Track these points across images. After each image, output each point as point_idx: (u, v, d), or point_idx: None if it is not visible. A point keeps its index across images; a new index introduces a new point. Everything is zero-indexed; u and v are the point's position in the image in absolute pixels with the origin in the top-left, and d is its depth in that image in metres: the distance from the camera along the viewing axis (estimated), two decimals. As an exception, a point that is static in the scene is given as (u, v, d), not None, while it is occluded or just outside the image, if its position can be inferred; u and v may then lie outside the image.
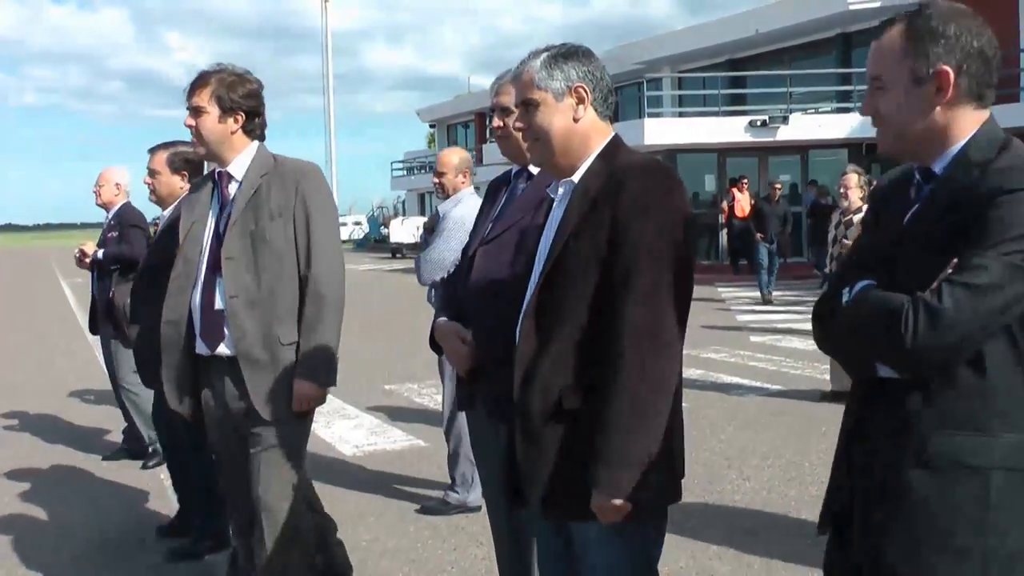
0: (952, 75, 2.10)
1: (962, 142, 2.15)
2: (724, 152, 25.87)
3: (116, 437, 7.90)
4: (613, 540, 2.57)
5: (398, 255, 38.69)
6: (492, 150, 34.02)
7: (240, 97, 3.68)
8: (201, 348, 3.73)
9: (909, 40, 2.15)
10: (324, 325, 3.68)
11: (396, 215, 48.02)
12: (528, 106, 2.67)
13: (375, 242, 48.81)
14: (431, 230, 5.81)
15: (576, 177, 2.65)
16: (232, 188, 3.73)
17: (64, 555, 5.37)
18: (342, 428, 8.30)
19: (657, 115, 27.28)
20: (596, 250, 2.51)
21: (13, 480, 6.96)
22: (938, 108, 2.13)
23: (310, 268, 3.67)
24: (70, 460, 7.46)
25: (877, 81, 2.20)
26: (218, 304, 3.66)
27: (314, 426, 8.15)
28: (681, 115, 28.28)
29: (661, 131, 24.78)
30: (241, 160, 3.73)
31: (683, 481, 2.64)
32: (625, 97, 33.02)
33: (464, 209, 5.57)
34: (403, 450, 7.53)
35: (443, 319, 3.42)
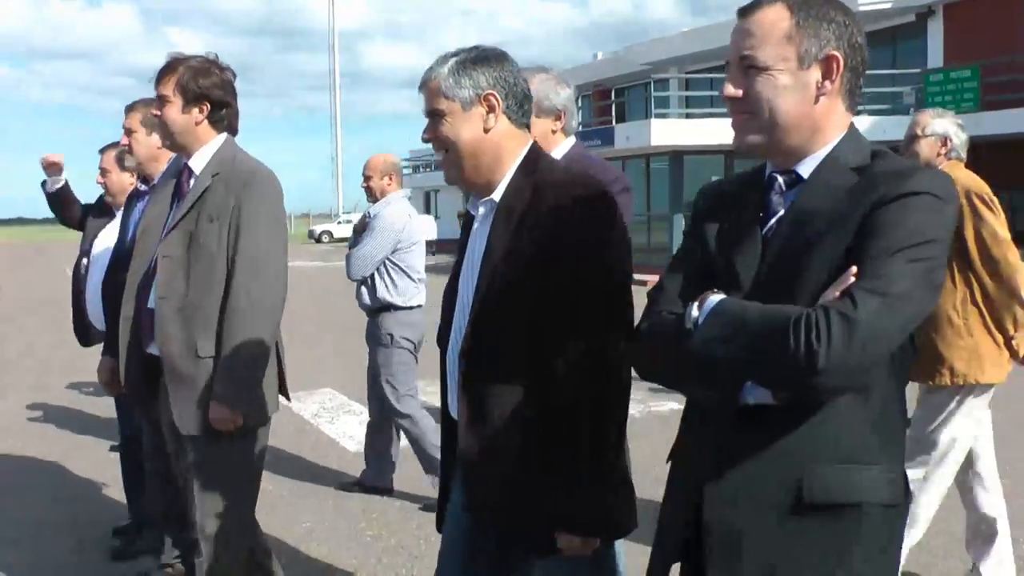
0: (842, 61, 1.95)
1: (830, 144, 1.98)
2: (731, 154, 25.82)
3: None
4: (580, 570, 2.51)
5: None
6: (499, 149, 33.99)
7: (207, 86, 3.49)
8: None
9: (798, 18, 1.95)
10: (240, 342, 3.38)
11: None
12: (435, 116, 2.49)
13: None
14: (361, 231, 6.03)
15: (497, 195, 2.50)
16: (191, 183, 3.54)
17: (68, 545, 5.39)
18: (347, 424, 8.31)
19: (664, 116, 27.28)
20: (531, 276, 2.36)
21: (21, 468, 6.99)
22: (821, 99, 1.96)
23: (233, 279, 3.40)
24: (79, 449, 7.47)
25: (748, 60, 1.97)
26: (150, 303, 3.51)
27: (319, 422, 8.24)
28: (688, 116, 28.27)
29: (668, 132, 24.78)
30: (203, 154, 3.54)
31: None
32: (632, 97, 33.06)
33: (393, 210, 5.91)
34: (406, 447, 7.52)
35: None
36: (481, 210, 2.55)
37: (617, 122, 29.10)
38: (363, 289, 5.99)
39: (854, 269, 1.78)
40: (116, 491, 5.76)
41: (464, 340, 2.48)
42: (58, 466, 7.11)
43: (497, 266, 2.42)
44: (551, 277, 2.34)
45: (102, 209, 5.48)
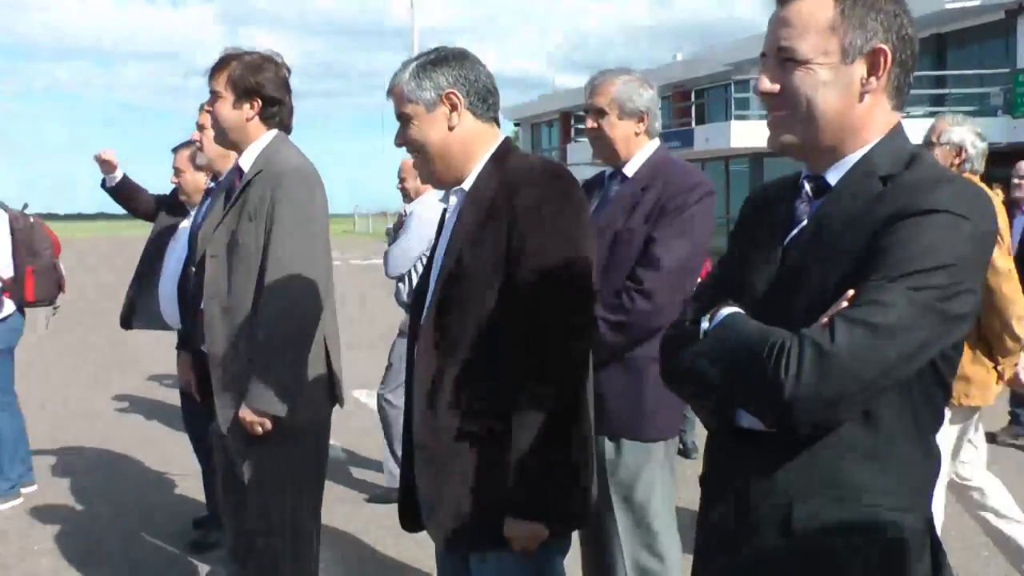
0: (890, 55, 1.77)
1: (867, 147, 1.81)
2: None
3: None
4: (514, 566, 2.47)
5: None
6: (576, 149, 33.93)
7: (259, 82, 3.42)
8: None
9: (843, 7, 1.77)
10: (269, 344, 3.29)
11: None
12: (403, 120, 2.55)
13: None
14: (398, 229, 6.18)
15: (467, 185, 2.54)
16: (240, 181, 3.49)
17: (146, 533, 5.50)
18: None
19: (744, 118, 26.95)
20: (494, 262, 2.39)
21: (106, 457, 7.17)
22: (865, 96, 1.79)
23: (263, 279, 3.33)
24: (163, 440, 7.61)
25: (786, 52, 1.79)
26: (203, 303, 3.52)
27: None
28: (768, 117, 27.90)
29: (748, 134, 24.48)
30: (252, 151, 3.47)
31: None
32: (711, 99, 32.73)
33: (427, 208, 5.95)
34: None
35: None
36: (452, 200, 2.60)
37: (696, 124, 28.87)
38: (400, 286, 6.09)
39: (850, 293, 1.64)
40: (196, 482, 5.85)
41: (424, 325, 2.52)
42: (141, 456, 7.27)
43: (462, 252, 2.45)
44: (512, 262, 2.38)
45: (175, 207, 5.55)
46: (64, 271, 6.40)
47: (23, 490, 6.30)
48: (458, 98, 2.51)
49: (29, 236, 6.22)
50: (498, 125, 2.61)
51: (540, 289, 2.35)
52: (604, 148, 3.40)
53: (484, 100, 2.56)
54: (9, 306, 6.14)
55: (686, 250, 3.21)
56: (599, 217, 3.33)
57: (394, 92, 2.55)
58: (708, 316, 1.82)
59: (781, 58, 1.81)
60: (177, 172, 5.34)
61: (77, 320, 14.40)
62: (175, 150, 5.37)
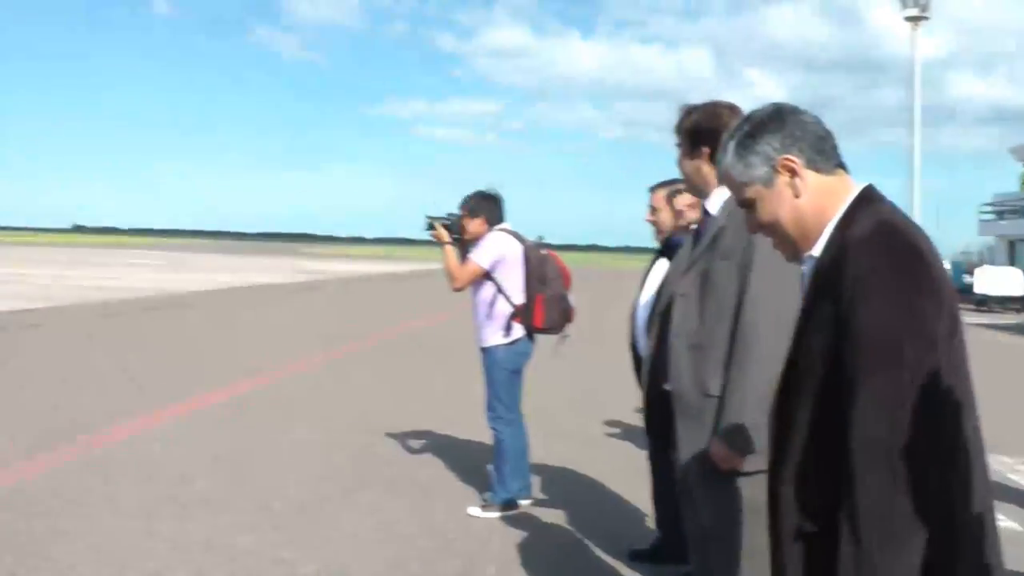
0: None
1: None
2: None
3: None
4: None
5: (983, 307, 36.04)
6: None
7: (706, 129, 3.56)
8: None
9: None
10: (746, 381, 3.32)
11: (981, 262, 44.65)
12: (748, 206, 2.34)
13: (957, 292, 45.79)
14: None
15: (816, 251, 2.25)
16: (707, 224, 3.64)
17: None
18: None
19: None
20: (826, 344, 2.10)
21: (594, 484, 7.46)
22: None
23: (741, 317, 3.39)
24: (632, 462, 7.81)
25: None
26: (670, 339, 3.61)
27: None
28: None
29: None
30: (719, 195, 3.58)
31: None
32: None
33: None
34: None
35: None
36: (803, 269, 2.33)
37: None
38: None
39: None
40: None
41: (776, 398, 2.31)
42: (622, 483, 7.39)
43: (801, 331, 2.22)
44: (839, 342, 2.07)
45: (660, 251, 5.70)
46: (574, 303, 6.77)
47: (521, 502, 6.71)
48: (793, 161, 2.26)
49: (541, 267, 6.70)
50: (845, 170, 2.31)
51: (865, 376, 2.03)
52: None
53: (821, 151, 2.28)
54: (518, 330, 6.64)
55: None
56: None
57: (727, 182, 2.39)
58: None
59: None
60: (652, 210, 5.50)
61: (582, 346, 15.21)
62: (652, 188, 5.52)
